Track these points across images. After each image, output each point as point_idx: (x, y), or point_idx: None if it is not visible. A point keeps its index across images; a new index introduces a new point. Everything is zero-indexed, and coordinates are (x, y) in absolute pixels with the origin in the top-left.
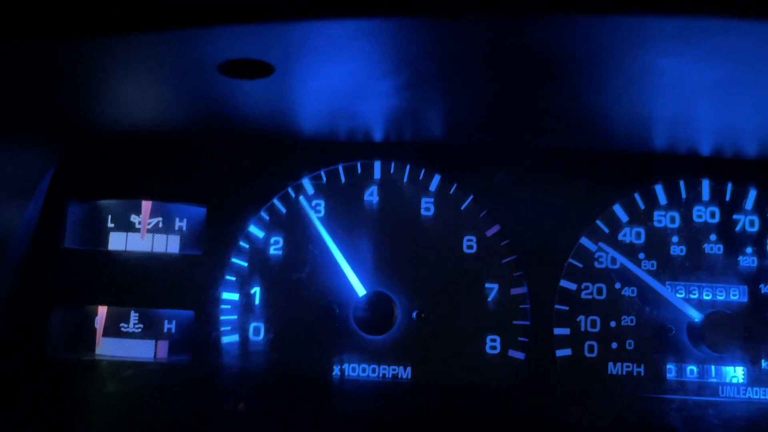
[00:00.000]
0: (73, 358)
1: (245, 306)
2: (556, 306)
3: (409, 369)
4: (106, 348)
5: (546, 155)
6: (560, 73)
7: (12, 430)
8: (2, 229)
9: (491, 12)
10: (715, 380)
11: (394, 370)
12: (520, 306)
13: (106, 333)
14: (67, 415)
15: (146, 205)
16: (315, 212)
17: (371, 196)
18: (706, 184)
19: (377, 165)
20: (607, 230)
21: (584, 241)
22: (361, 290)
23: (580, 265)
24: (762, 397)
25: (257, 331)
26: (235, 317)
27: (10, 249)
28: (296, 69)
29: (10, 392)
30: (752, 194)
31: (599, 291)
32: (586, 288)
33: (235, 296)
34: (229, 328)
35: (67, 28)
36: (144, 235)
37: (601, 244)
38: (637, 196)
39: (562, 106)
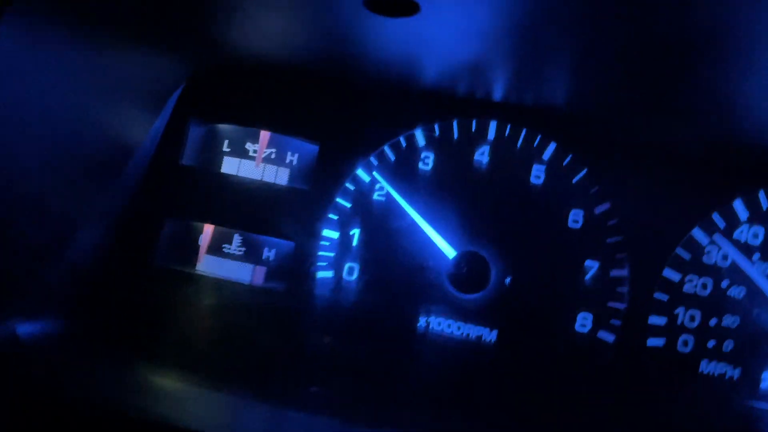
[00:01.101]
0: (177, 269)
1: (343, 245)
2: (655, 294)
3: (494, 332)
4: (208, 265)
5: (671, 140)
6: (703, 54)
7: (110, 330)
8: (129, 140)
9: None
10: None
11: (479, 331)
12: (617, 288)
13: (209, 251)
14: (164, 321)
15: (264, 135)
16: (423, 164)
17: (482, 155)
18: None
19: (492, 124)
20: (722, 225)
21: (696, 232)
22: (450, 252)
23: (688, 257)
24: None
25: (351, 271)
26: (333, 254)
27: (133, 160)
28: (440, 10)
29: (115, 293)
30: None
31: (704, 286)
32: (691, 281)
33: (335, 234)
34: (325, 263)
35: None
36: (259, 163)
37: (714, 237)
38: (762, 193)
39: (696, 91)
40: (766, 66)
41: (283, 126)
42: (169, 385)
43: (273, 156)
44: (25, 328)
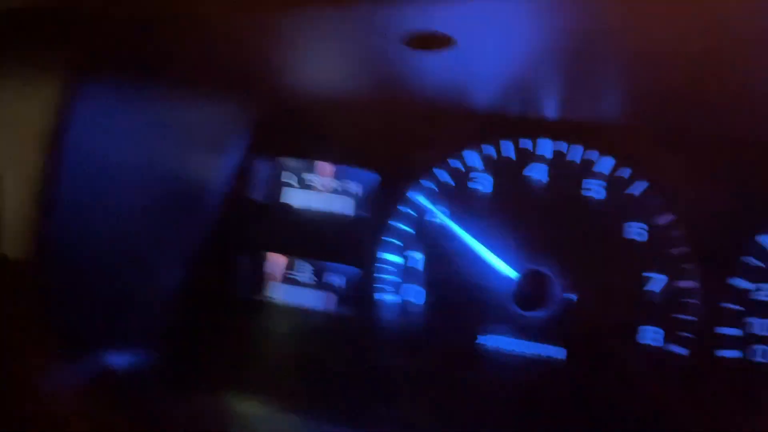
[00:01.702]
0: (253, 299)
1: (407, 269)
2: (725, 304)
3: (563, 351)
4: (283, 293)
5: (729, 145)
6: (749, 57)
7: (197, 360)
8: (200, 180)
9: None
10: None
11: (548, 349)
12: (685, 300)
13: (284, 280)
14: (247, 350)
15: (326, 166)
16: (479, 186)
17: (540, 174)
18: None
19: (548, 144)
20: None
21: (763, 238)
22: (511, 272)
23: (758, 264)
24: None
25: (417, 294)
26: (398, 279)
27: (205, 198)
28: (478, 42)
29: (200, 325)
30: None
31: None
32: (762, 289)
33: (399, 259)
34: (391, 288)
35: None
36: (323, 193)
37: None
38: None
39: (751, 94)
40: None
41: (343, 157)
42: (253, 410)
43: (336, 186)
44: (118, 361)
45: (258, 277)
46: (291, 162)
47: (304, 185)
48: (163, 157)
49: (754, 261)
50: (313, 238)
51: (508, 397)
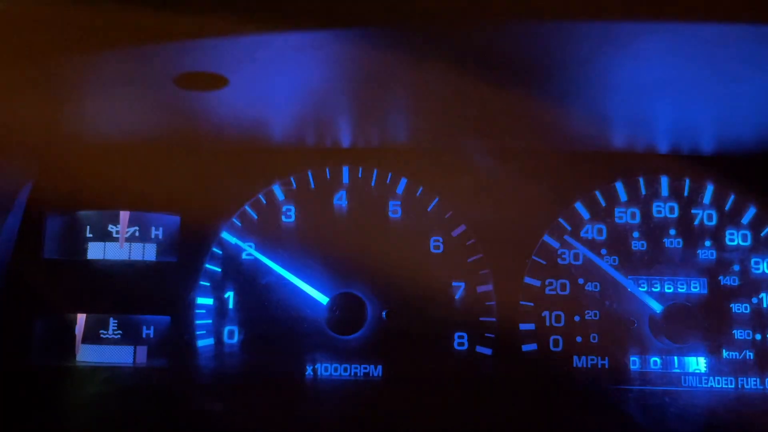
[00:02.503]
0: (55, 364)
1: (219, 310)
2: (522, 302)
3: (380, 367)
4: (87, 354)
5: (508, 156)
6: (519, 77)
7: None
8: None
9: (443, 23)
10: (677, 370)
11: (365, 368)
12: (486, 303)
13: (86, 340)
14: (50, 419)
15: (124, 215)
16: (285, 218)
17: (340, 200)
18: (664, 181)
19: (345, 170)
20: (569, 227)
21: (547, 238)
22: (323, 298)
23: (544, 262)
24: (723, 385)
25: (231, 334)
26: (210, 321)
27: None
28: (250, 80)
29: None
30: (709, 189)
31: (563, 287)
32: (550, 284)
33: (209, 301)
34: (204, 332)
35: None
36: (122, 244)
37: (564, 240)
38: (598, 193)
39: (522, 109)
40: (566, 84)
41: (142, 203)
42: None
43: (137, 233)
44: None
45: (59, 341)
46: (86, 214)
47: (102, 237)
48: None
49: (541, 260)
50: (114, 291)
51: (336, 418)
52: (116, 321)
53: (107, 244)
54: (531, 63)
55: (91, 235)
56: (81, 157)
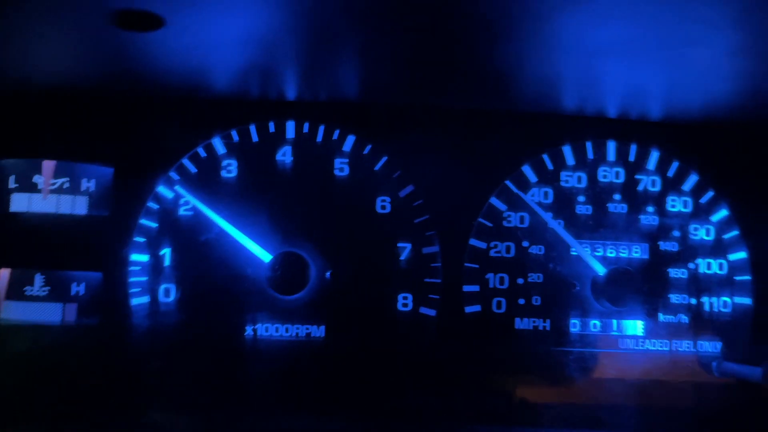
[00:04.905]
0: None
1: (155, 267)
2: (466, 264)
3: (322, 328)
4: (10, 311)
5: (458, 116)
6: (469, 32)
7: None
8: None
9: None
10: (616, 333)
11: (307, 329)
12: (432, 264)
13: (10, 296)
14: None
15: (48, 165)
16: (226, 172)
17: (284, 156)
18: (611, 145)
19: (290, 124)
20: (516, 190)
21: (494, 200)
22: (266, 256)
23: (490, 225)
24: (658, 348)
25: (167, 293)
26: (145, 279)
27: None
28: (187, 21)
29: None
30: (654, 155)
31: (507, 249)
32: (495, 246)
33: (144, 257)
34: (138, 289)
35: None
36: (46, 195)
37: (511, 202)
38: (545, 156)
39: (471, 66)
40: (515, 42)
41: (72, 153)
42: None
43: (66, 185)
44: None
45: None
46: (10, 162)
47: (27, 188)
48: None
49: (488, 222)
50: (41, 245)
51: (276, 379)
52: (43, 277)
53: (33, 195)
54: (484, 19)
55: (15, 186)
56: (5, 102)
